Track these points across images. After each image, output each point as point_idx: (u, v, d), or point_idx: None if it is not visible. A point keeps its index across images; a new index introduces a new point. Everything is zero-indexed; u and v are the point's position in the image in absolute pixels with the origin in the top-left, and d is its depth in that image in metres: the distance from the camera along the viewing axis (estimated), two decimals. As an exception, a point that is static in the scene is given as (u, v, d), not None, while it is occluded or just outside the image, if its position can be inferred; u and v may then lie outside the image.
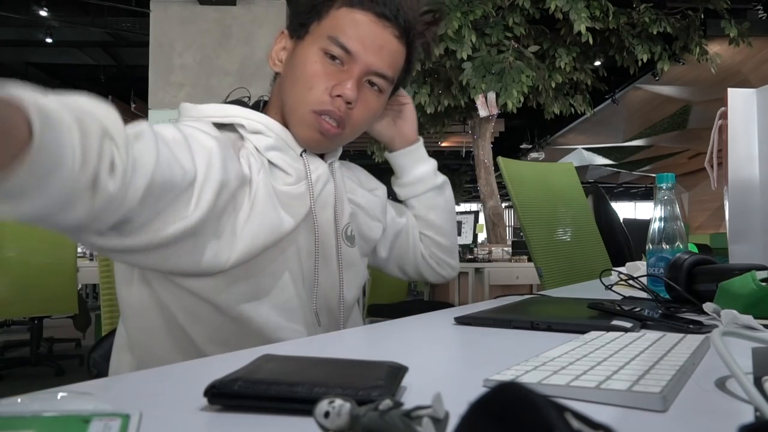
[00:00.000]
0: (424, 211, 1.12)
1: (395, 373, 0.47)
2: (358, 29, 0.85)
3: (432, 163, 1.12)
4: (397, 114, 1.08)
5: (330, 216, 0.92)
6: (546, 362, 0.51)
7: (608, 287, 1.19)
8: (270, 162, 0.87)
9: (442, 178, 1.13)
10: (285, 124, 0.89)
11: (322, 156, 0.94)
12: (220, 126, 0.85)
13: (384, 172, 1.10)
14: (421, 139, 1.12)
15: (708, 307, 0.84)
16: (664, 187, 1.19)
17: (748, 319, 0.72)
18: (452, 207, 1.17)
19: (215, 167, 0.75)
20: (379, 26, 0.86)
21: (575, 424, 0.22)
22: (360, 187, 1.04)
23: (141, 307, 0.82)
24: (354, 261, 0.98)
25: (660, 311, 0.85)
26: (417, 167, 1.10)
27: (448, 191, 1.15)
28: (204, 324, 0.82)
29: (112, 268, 1.07)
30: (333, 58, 0.85)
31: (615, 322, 0.75)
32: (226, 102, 0.93)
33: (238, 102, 0.93)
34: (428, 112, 5.06)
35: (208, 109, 0.88)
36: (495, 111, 4.74)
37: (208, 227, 0.75)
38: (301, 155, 0.89)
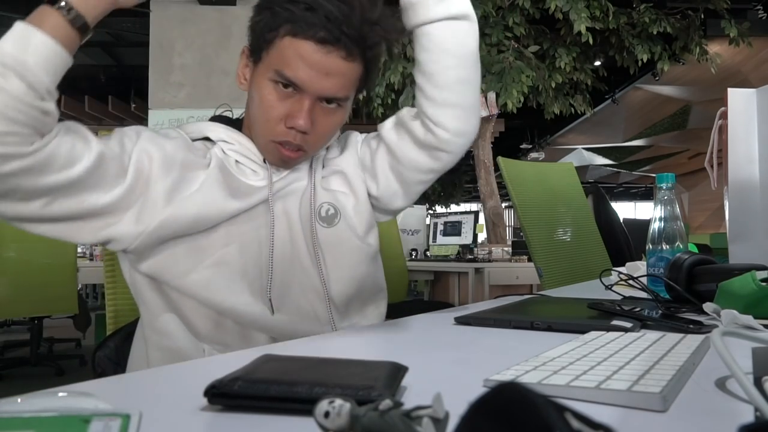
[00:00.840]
0: (417, 50, 0.93)
1: (395, 373, 0.47)
2: (302, 59, 0.84)
3: None
4: None
5: (295, 203, 0.93)
6: (546, 362, 0.51)
7: (608, 287, 1.19)
8: (237, 161, 0.92)
9: (455, 9, 0.90)
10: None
11: None
12: (195, 140, 0.94)
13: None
14: None
15: (708, 307, 0.84)
16: (664, 187, 1.19)
17: (748, 319, 0.72)
18: (463, 50, 0.93)
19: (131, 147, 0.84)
20: (322, 53, 0.83)
21: (575, 424, 0.22)
22: (341, 151, 1.02)
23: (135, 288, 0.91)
24: (336, 240, 0.94)
25: (660, 311, 0.85)
26: None
27: (464, 28, 0.92)
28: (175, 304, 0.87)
29: (116, 267, 1.07)
30: (285, 86, 0.86)
31: (615, 322, 0.75)
32: (211, 118, 1.00)
33: (219, 118, 0.99)
34: (428, 112, 5.06)
35: (186, 126, 0.96)
36: (495, 111, 4.74)
37: (122, 203, 0.82)
38: (265, 161, 0.93)
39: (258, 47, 0.89)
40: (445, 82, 0.92)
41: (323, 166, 0.99)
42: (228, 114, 1.01)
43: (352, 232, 0.95)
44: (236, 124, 0.97)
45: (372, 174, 0.99)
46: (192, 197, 0.85)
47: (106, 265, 1.13)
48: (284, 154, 0.89)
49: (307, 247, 0.92)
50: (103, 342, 1.02)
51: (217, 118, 1.00)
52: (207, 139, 0.94)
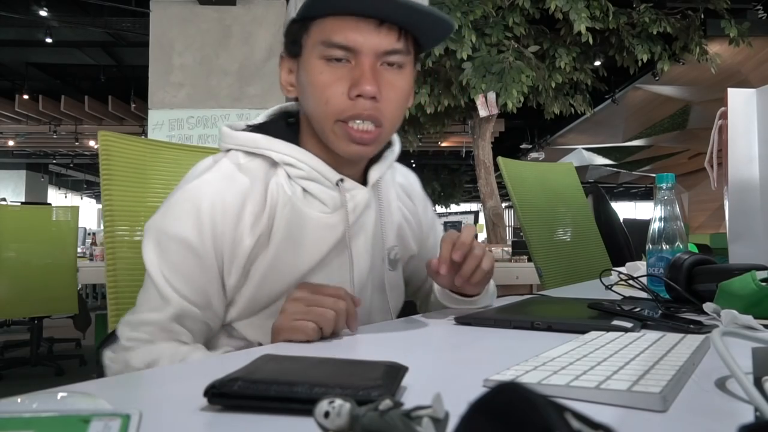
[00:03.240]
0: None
1: (395, 373, 0.47)
2: (347, 22, 0.78)
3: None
4: None
5: (368, 242, 0.90)
6: (546, 362, 0.51)
7: (608, 287, 1.19)
8: (304, 189, 0.85)
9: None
10: (322, 146, 0.86)
11: (365, 175, 0.90)
12: (253, 154, 0.86)
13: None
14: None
15: (708, 307, 0.84)
16: (664, 187, 1.19)
17: (748, 319, 0.72)
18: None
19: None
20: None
21: (575, 424, 0.22)
22: (410, 198, 1.04)
23: None
24: (396, 283, 0.99)
25: (660, 311, 0.85)
26: None
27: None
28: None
29: (118, 266, 1.07)
30: (337, 60, 0.79)
31: (615, 322, 0.75)
32: (268, 116, 0.93)
33: (273, 123, 0.90)
34: (428, 112, 5.05)
35: (241, 137, 0.87)
36: (495, 111, 4.74)
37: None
38: (337, 184, 0.85)
39: (297, 37, 0.83)
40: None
41: (383, 193, 0.94)
42: (290, 107, 0.93)
43: (401, 275, 1.01)
44: (293, 135, 0.88)
45: (418, 240, 1.05)
46: (267, 274, 0.82)
47: (108, 264, 1.12)
48: (356, 135, 0.80)
49: (379, 288, 0.94)
50: (106, 339, 1.02)
51: (274, 126, 0.90)
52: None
